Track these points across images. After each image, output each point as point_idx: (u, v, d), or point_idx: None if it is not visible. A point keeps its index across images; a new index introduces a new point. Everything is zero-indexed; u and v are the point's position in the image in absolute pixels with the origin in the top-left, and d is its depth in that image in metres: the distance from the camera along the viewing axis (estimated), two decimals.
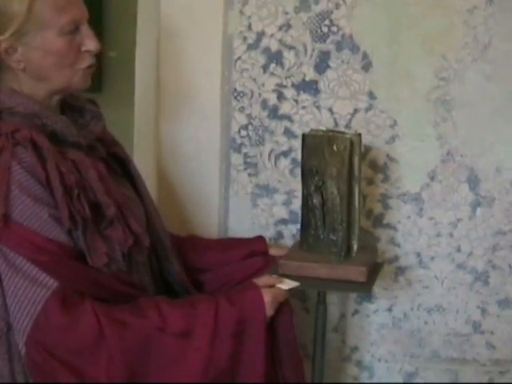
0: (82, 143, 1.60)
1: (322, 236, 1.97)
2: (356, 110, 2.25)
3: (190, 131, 2.26)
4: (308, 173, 1.96)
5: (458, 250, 2.30)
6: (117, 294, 1.57)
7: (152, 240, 1.73)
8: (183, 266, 1.89)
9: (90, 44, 1.60)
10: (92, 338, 1.47)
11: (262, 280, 1.72)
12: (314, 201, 1.96)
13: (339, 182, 1.91)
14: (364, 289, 1.89)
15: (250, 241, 2.08)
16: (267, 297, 1.65)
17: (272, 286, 1.72)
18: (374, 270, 1.98)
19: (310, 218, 1.99)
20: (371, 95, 2.24)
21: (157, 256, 1.82)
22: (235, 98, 2.28)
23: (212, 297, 1.64)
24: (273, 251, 2.04)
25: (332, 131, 2.00)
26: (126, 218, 1.60)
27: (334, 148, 1.91)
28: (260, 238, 2.08)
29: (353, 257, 1.97)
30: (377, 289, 2.33)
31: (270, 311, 1.65)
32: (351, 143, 1.90)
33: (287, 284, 1.79)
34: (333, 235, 1.94)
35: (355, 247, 1.98)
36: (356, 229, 1.97)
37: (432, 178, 2.26)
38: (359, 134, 1.93)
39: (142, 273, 1.71)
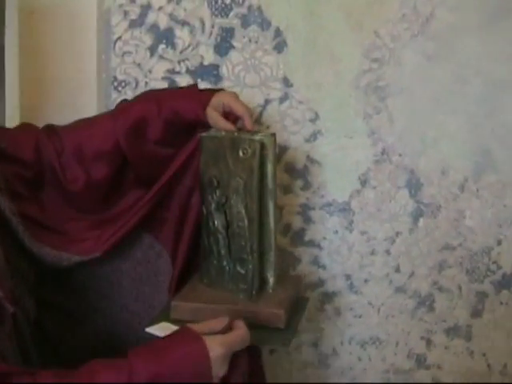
0: None
1: (227, 267, 1.52)
2: (268, 101, 1.84)
3: None
4: (207, 186, 1.51)
5: (397, 270, 1.94)
6: None
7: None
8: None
9: None
10: None
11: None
12: (216, 222, 1.50)
13: (247, 198, 1.45)
14: (282, 339, 1.43)
15: None
16: (216, 350, 1.17)
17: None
18: (296, 309, 1.53)
19: (212, 244, 1.53)
20: (286, 82, 1.83)
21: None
22: (115, 88, 1.84)
23: (120, 360, 1.14)
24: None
25: (239, 130, 1.53)
26: None
27: (240, 153, 1.45)
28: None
29: (268, 293, 1.52)
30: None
31: (221, 370, 1.17)
32: (262, 147, 1.44)
33: None
34: (240, 267, 1.49)
35: (271, 280, 1.52)
36: (272, 257, 1.52)
37: (364, 184, 1.89)
38: (273, 134, 1.47)
39: (3, 341, 1.24)
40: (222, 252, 1.52)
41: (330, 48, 1.81)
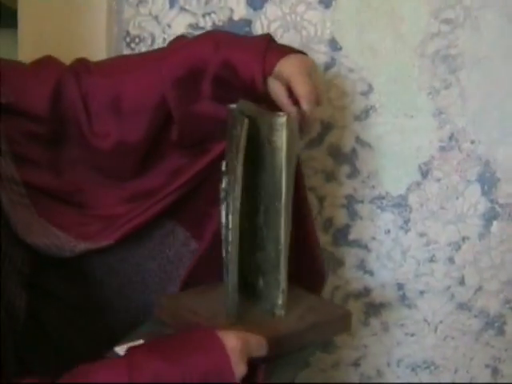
0: None
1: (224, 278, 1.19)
2: None
3: None
4: (220, 170, 1.18)
5: (461, 282, 1.62)
6: None
7: None
8: None
9: None
10: None
11: None
12: (222, 217, 1.17)
13: (230, 193, 1.11)
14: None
15: None
16: (231, 341, 0.95)
17: None
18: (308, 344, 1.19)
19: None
20: (334, 44, 1.50)
21: None
22: (128, 45, 1.54)
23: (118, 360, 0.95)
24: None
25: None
26: None
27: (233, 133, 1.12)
28: None
29: (271, 320, 1.18)
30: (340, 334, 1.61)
31: (238, 366, 0.95)
32: (253, 124, 1.08)
33: None
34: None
35: (279, 303, 1.17)
36: (280, 275, 1.16)
37: (425, 175, 1.56)
38: (286, 115, 1.10)
39: None
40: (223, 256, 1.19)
41: (389, 4, 1.47)
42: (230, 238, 1.09)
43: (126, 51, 1.53)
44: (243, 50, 1.19)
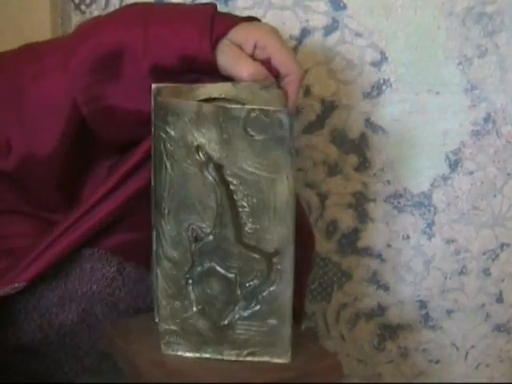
0: None
1: None
2: (306, 32, 1.23)
3: None
4: None
5: (499, 299, 1.39)
6: None
7: None
8: None
9: None
10: None
11: None
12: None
13: None
14: None
15: None
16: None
17: None
18: None
19: None
20: (336, 2, 1.22)
21: None
22: (77, 7, 1.25)
23: None
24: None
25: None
26: None
27: None
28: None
29: None
30: (348, 360, 1.43)
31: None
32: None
33: None
34: None
35: None
36: None
37: (454, 167, 1.31)
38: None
39: None
40: None
41: None
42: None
43: (76, 15, 1.25)
44: (180, 22, 0.93)
